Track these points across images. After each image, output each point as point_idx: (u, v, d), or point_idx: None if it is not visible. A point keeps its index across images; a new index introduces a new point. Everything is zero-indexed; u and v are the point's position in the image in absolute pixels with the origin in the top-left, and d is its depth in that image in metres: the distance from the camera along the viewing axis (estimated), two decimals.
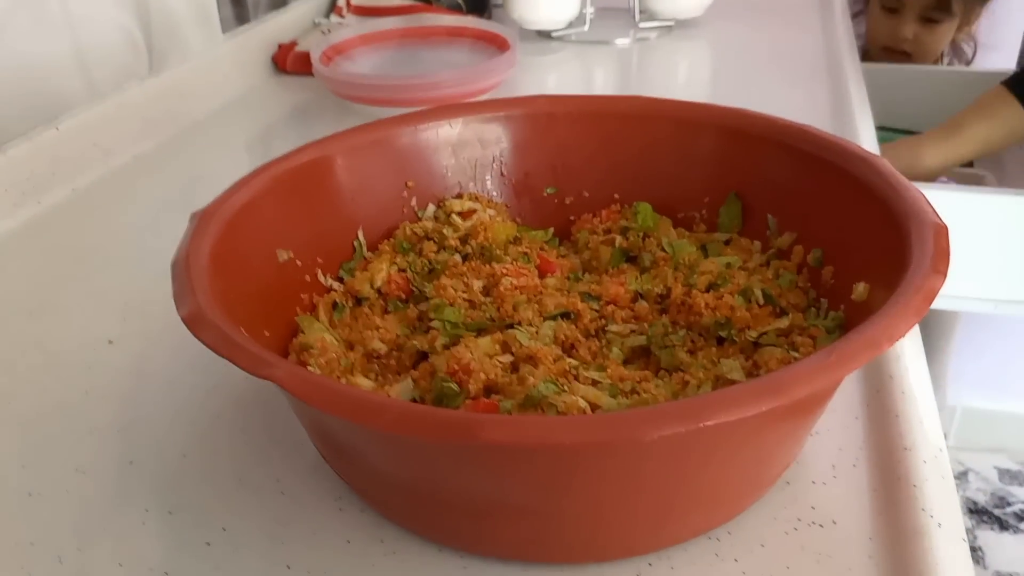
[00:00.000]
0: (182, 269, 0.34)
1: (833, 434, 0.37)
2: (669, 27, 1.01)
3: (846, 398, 0.39)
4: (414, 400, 0.36)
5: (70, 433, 0.40)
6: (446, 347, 0.38)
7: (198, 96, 0.80)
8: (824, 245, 0.40)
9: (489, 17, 1.06)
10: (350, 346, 0.40)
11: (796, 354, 0.35)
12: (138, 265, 0.55)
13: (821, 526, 0.33)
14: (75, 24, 0.66)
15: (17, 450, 0.40)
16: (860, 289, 0.35)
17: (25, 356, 0.46)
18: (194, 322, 0.31)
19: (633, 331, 0.40)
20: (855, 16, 1.40)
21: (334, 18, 1.00)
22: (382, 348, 0.39)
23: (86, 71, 0.67)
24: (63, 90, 0.65)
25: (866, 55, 1.46)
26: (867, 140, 0.68)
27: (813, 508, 0.33)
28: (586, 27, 0.99)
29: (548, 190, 0.49)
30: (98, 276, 0.54)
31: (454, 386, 0.35)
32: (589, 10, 0.99)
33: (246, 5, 0.88)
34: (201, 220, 0.37)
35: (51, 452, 0.39)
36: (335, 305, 0.42)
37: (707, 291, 0.40)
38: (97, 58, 0.68)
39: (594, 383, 0.35)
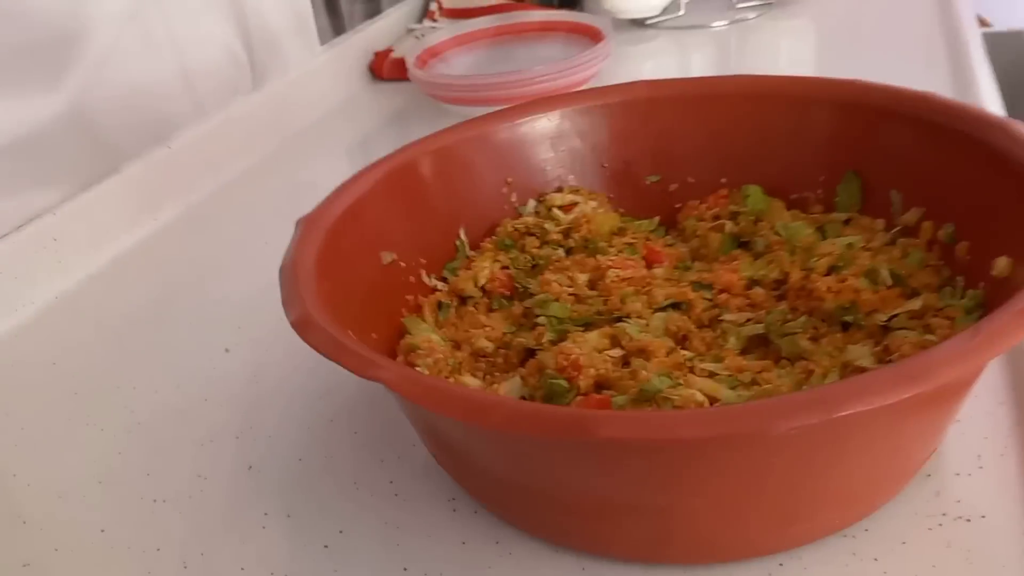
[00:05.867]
0: (289, 275, 0.34)
1: (977, 422, 0.34)
2: (769, 5, 0.97)
3: (990, 383, 0.36)
4: (523, 398, 0.35)
5: (191, 440, 0.41)
6: (553, 343, 0.37)
7: (299, 107, 0.82)
8: (956, 219, 0.37)
9: (581, 9, 1.05)
10: (457, 345, 0.39)
11: (932, 337, 0.32)
12: (250, 274, 0.56)
13: (968, 520, 0.30)
14: (180, 45, 0.68)
15: (143, 458, 0.41)
16: (1002, 264, 0.32)
17: (147, 366, 0.48)
18: (302, 326, 0.31)
19: (749, 319, 0.38)
20: None
21: (427, 23, 1.01)
22: (489, 346, 0.39)
23: (192, 89, 0.70)
24: (171, 109, 0.68)
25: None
26: (993, 109, 0.64)
27: (958, 502, 0.31)
28: (681, 11, 0.97)
29: (651, 178, 0.47)
30: (213, 287, 0.56)
31: (563, 383, 0.34)
32: None
33: (342, 15, 0.89)
34: (306, 226, 0.37)
35: (174, 459, 0.40)
36: (440, 305, 0.42)
37: (828, 274, 0.38)
38: (202, 76, 0.71)
39: (711, 375, 0.33)
